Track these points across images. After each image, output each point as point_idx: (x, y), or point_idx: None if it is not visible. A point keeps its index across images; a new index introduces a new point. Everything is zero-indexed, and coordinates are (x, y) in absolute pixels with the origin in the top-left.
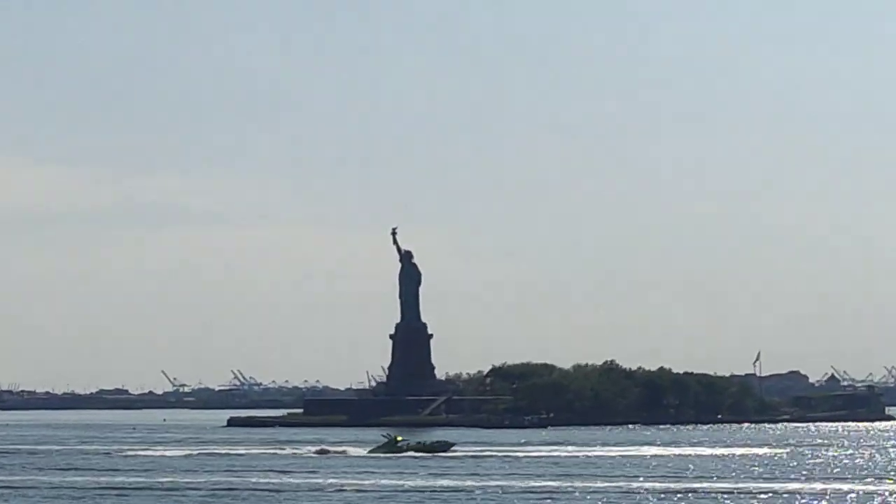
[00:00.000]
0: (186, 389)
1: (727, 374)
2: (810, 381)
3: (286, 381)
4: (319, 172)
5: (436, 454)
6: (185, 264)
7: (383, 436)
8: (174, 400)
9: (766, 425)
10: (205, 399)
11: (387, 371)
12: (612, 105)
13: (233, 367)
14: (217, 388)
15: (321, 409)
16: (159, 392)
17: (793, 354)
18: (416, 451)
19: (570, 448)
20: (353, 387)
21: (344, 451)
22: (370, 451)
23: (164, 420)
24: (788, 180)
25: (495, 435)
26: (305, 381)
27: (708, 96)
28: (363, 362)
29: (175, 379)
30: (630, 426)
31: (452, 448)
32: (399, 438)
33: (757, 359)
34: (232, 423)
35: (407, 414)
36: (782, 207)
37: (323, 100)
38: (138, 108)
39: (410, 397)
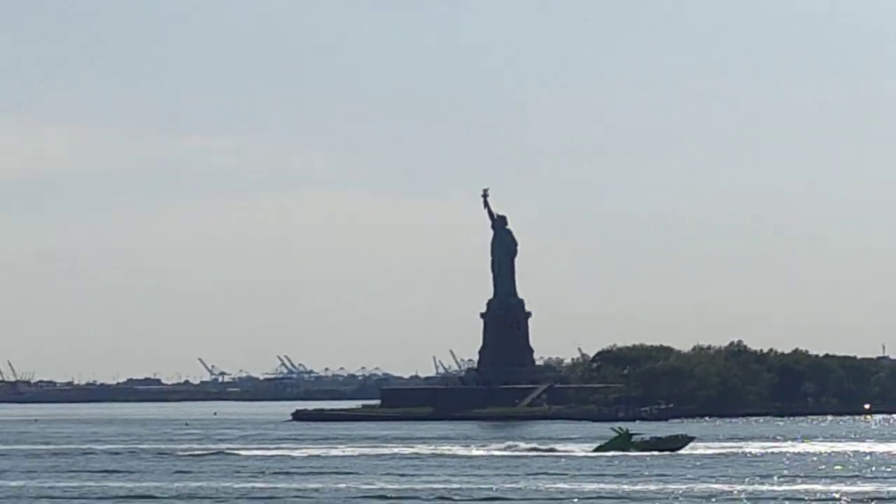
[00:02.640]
0: (227, 378)
1: (875, 357)
2: None
3: (341, 369)
4: (379, 130)
5: (675, 451)
6: (223, 236)
7: (613, 429)
8: (215, 391)
9: None
10: (251, 389)
11: (477, 356)
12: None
13: (279, 353)
14: (262, 377)
15: (402, 400)
16: (196, 381)
17: None
18: (652, 448)
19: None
20: (420, 374)
21: (551, 449)
22: (597, 448)
23: (215, 414)
24: None
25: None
26: (363, 368)
27: None
28: (431, 347)
29: (213, 367)
30: (760, 418)
31: (692, 444)
32: (631, 433)
33: None
34: (299, 416)
35: (502, 405)
36: None
37: (384, 49)
38: (173, 63)
39: (506, 386)
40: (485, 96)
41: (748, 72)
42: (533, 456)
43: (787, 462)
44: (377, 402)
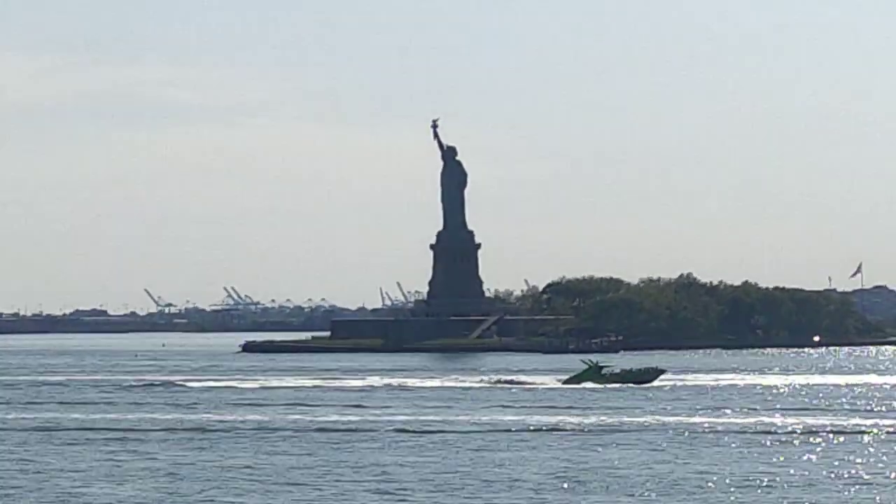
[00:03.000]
0: (173, 310)
1: (823, 289)
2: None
3: (287, 301)
4: (325, 59)
5: (646, 384)
6: (171, 166)
7: (583, 361)
8: (162, 322)
9: (871, 349)
10: (198, 321)
11: (426, 288)
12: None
13: (225, 284)
14: (209, 309)
15: (352, 331)
16: (142, 313)
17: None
18: (623, 380)
19: (776, 377)
20: (367, 306)
21: (520, 382)
22: (567, 380)
23: (164, 345)
24: None
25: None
26: (309, 299)
27: None
28: (379, 279)
29: (160, 298)
30: (710, 350)
31: (662, 376)
32: (601, 365)
33: (857, 271)
34: (248, 348)
35: (452, 337)
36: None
37: None
38: None
39: (456, 318)
40: (436, 24)
41: None
42: (501, 388)
43: (758, 393)
44: (326, 333)
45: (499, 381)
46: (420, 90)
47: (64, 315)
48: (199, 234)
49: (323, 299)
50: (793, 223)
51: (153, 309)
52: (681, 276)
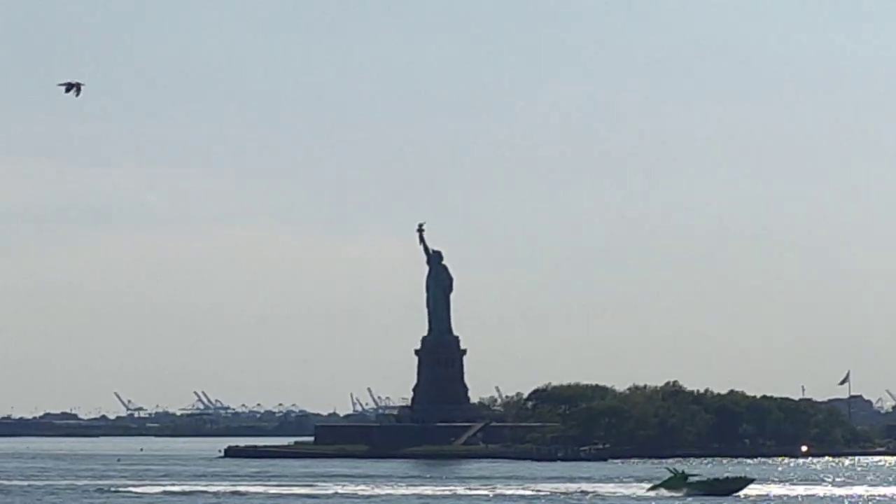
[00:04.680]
0: (143, 414)
1: (813, 399)
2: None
3: (258, 405)
4: (310, 164)
5: (734, 493)
6: (141, 272)
7: (668, 468)
8: (135, 426)
9: (860, 458)
10: (170, 425)
11: (408, 393)
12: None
13: (195, 389)
14: (178, 412)
15: (336, 437)
16: (112, 416)
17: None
18: (712, 488)
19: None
20: (338, 412)
21: (594, 491)
22: (651, 488)
23: (141, 450)
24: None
25: (598, 468)
26: (280, 404)
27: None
28: (350, 384)
29: (129, 402)
30: (699, 459)
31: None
32: (687, 473)
33: (845, 379)
34: (231, 453)
35: (438, 443)
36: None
37: (314, 86)
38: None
39: (441, 424)
40: (421, 129)
41: (685, 100)
42: (572, 499)
43: None
44: (310, 438)
45: (579, 491)
46: (406, 194)
47: (34, 418)
48: (169, 339)
49: (293, 404)
50: (777, 331)
51: (123, 413)
52: (667, 383)
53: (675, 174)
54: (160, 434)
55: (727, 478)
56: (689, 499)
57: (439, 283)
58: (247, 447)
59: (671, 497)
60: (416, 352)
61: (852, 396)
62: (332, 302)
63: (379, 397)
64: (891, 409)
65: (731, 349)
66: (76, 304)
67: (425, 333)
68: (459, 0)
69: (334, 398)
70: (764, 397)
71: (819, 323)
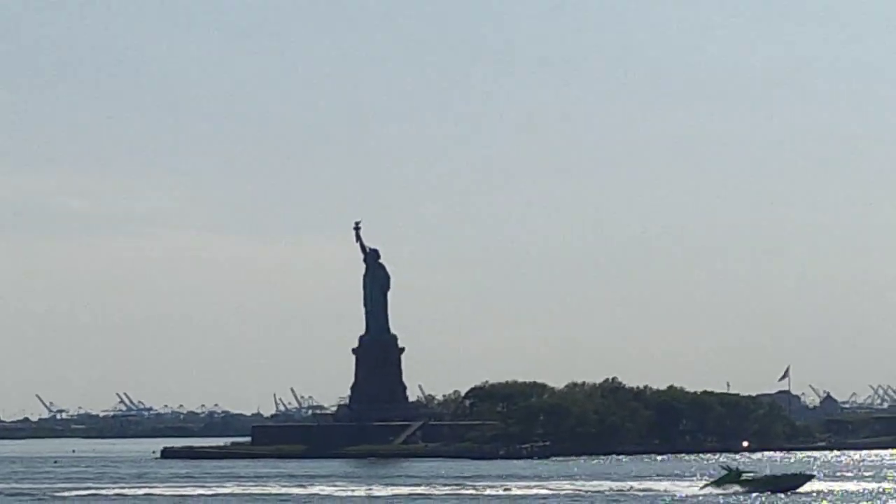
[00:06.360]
0: (65, 416)
1: (755, 394)
2: (802, 401)
3: (180, 406)
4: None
5: (792, 491)
6: (61, 273)
7: (721, 466)
8: (60, 428)
9: (800, 454)
10: (95, 427)
11: (349, 392)
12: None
13: (117, 390)
14: (101, 414)
15: (273, 437)
16: (35, 418)
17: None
18: (769, 485)
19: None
20: (262, 412)
21: (648, 489)
22: (706, 485)
23: (73, 451)
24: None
25: (550, 467)
26: (203, 405)
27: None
28: (273, 383)
29: (51, 403)
30: (640, 456)
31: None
32: (741, 470)
33: (785, 375)
34: (167, 454)
35: (376, 443)
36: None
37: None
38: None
39: (379, 423)
40: (357, 127)
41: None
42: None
43: None
44: (247, 439)
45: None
46: (342, 192)
47: None
48: (89, 341)
49: (216, 405)
50: (715, 328)
51: (45, 414)
52: (605, 380)
53: (608, 175)
54: (86, 436)
55: (784, 474)
56: (754, 494)
57: (376, 281)
58: (183, 448)
59: (731, 493)
60: (354, 350)
61: (780, 392)
62: (261, 301)
63: (303, 397)
64: (818, 404)
65: (669, 346)
66: None
67: (362, 332)
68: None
69: (257, 399)
70: (704, 393)
71: (751, 321)
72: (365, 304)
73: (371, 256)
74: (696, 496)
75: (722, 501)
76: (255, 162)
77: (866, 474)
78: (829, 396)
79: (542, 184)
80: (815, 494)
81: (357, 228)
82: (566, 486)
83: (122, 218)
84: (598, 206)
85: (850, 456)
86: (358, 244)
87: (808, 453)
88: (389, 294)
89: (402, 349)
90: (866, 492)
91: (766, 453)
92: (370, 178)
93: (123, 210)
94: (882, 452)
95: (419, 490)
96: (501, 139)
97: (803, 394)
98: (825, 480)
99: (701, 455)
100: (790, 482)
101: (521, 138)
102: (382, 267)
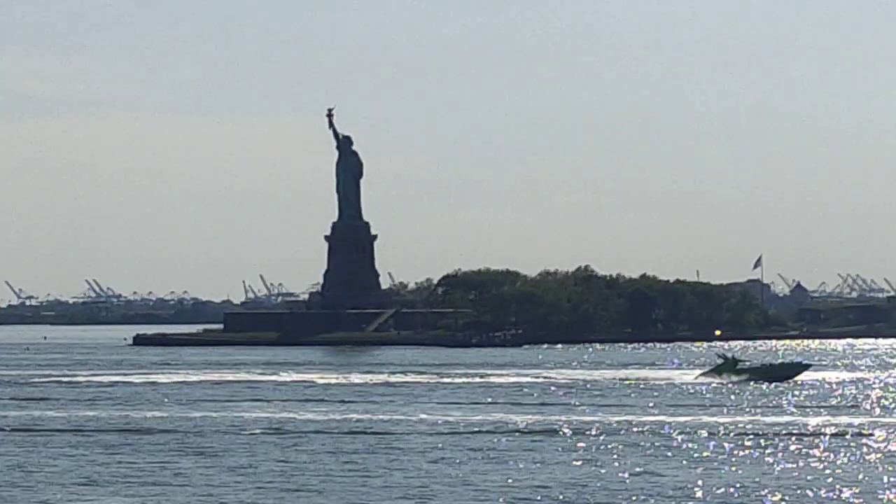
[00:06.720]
0: (34, 302)
1: (723, 283)
2: (772, 290)
3: (149, 293)
4: (217, 50)
5: (789, 380)
6: (27, 158)
7: (718, 355)
8: (30, 314)
9: (774, 342)
10: (65, 313)
11: (322, 280)
12: None
13: (86, 277)
14: (71, 301)
15: (246, 324)
16: (3, 305)
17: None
18: (765, 374)
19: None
20: (231, 299)
21: (645, 378)
22: (702, 374)
23: (45, 338)
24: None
25: (525, 354)
26: (172, 292)
27: None
28: (242, 270)
29: (20, 290)
30: (612, 345)
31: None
32: (737, 359)
33: (758, 263)
34: (140, 341)
35: (349, 330)
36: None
37: None
38: None
39: (352, 311)
40: (332, 11)
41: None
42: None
43: None
44: (219, 326)
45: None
46: (315, 78)
47: None
48: (58, 226)
49: (185, 292)
50: (688, 217)
51: (14, 301)
52: (578, 268)
53: (583, 57)
54: (56, 322)
55: (781, 363)
56: (752, 384)
57: (349, 168)
58: (155, 335)
59: (729, 382)
60: (326, 238)
61: (750, 281)
62: (233, 187)
63: (272, 284)
64: (789, 293)
65: (642, 234)
66: None
67: (334, 220)
68: None
69: (227, 286)
70: (678, 281)
71: (720, 211)
72: (337, 192)
73: (344, 143)
74: (697, 384)
75: (724, 391)
76: (227, 44)
77: (857, 363)
78: (799, 285)
79: (517, 67)
80: (812, 383)
81: (330, 115)
82: (563, 375)
83: (90, 99)
84: (574, 91)
85: (827, 344)
86: (331, 131)
87: (783, 342)
88: (362, 181)
89: (375, 236)
90: (864, 381)
91: (739, 342)
92: (343, 64)
93: (90, 90)
94: (854, 341)
95: (399, 378)
96: (475, 21)
97: (773, 283)
98: (824, 370)
99: (675, 343)
100: (787, 371)
101: (494, 20)
102: (355, 154)
